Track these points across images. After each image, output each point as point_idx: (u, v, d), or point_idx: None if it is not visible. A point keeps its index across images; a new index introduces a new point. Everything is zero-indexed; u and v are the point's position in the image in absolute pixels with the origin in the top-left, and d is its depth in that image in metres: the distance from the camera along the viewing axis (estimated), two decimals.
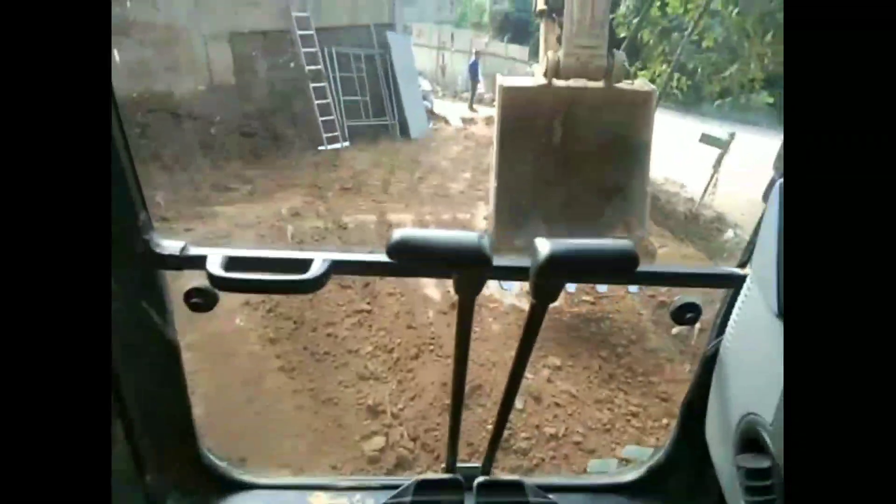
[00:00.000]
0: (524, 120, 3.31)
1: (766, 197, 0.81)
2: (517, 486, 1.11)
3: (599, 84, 3.15)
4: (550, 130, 3.30)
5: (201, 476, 1.18)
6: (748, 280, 0.90)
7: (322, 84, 7.89)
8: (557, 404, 2.83)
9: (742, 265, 0.99)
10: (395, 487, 1.10)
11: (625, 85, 3.22)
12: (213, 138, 6.99)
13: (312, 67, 7.87)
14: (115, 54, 6.07)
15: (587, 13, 2.95)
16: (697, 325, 2.83)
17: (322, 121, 7.71)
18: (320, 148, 7.65)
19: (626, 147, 3.20)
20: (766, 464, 0.78)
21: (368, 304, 3.80)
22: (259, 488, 1.22)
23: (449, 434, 1.07)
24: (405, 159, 7.65)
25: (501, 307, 3.85)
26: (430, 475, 1.15)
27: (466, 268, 0.69)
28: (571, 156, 3.27)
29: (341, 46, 8.30)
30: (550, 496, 1.12)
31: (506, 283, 3.27)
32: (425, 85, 11.51)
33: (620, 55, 3.14)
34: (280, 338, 3.40)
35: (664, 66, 7.29)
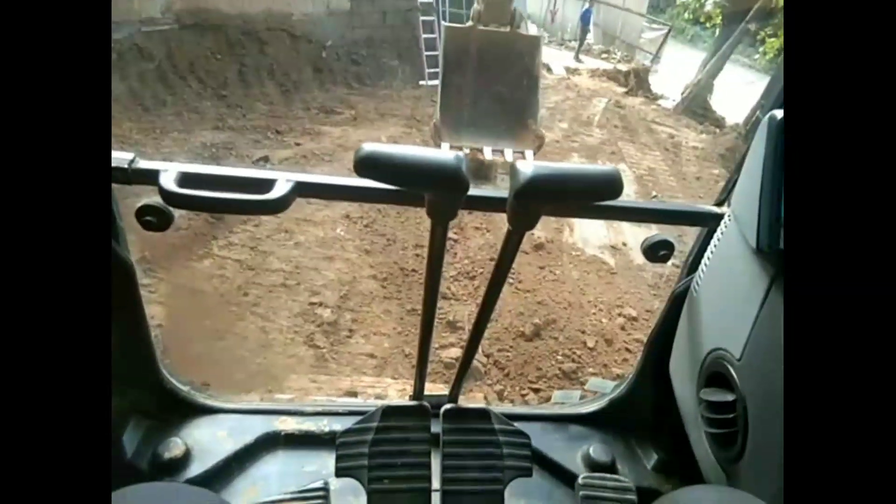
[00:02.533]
0: (459, 51, 4.74)
1: (750, 135, 0.79)
2: (483, 414, 1.11)
3: (507, 28, 4.70)
4: (475, 59, 4.77)
5: (164, 400, 1.16)
6: (725, 218, 0.89)
7: (431, 18, 7.88)
8: (628, 349, 2.93)
9: (719, 203, 0.97)
10: (361, 413, 1.09)
11: (522, 30, 4.96)
12: (323, 62, 7.29)
13: (424, 0, 7.86)
14: None
15: None
16: None
17: (426, 55, 7.76)
18: (421, 83, 7.75)
19: (523, 69, 4.86)
20: (730, 397, 0.79)
21: (455, 234, 3.99)
22: (224, 412, 1.21)
23: (417, 362, 1.06)
24: None
25: (583, 256, 3.92)
26: (397, 401, 1.14)
27: (441, 190, 0.63)
28: (488, 76, 4.81)
29: None
30: (515, 424, 1.12)
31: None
32: (532, 29, 11.15)
33: (520, 10, 4.78)
34: (374, 250, 3.70)
35: None
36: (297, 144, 5.18)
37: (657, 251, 0.95)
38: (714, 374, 0.84)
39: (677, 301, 1.03)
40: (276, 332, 2.84)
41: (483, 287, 3.41)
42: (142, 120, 5.07)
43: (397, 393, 2.36)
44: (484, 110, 4.84)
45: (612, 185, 0.63)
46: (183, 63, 5.94)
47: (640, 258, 3.88)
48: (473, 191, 0.66)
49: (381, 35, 7.95)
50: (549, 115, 7.44)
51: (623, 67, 11.22)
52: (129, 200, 0.89)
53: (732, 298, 0.84)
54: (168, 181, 0.76)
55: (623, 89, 9.62)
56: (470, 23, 4.69)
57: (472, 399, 2.51)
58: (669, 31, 13.35)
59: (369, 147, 0.60)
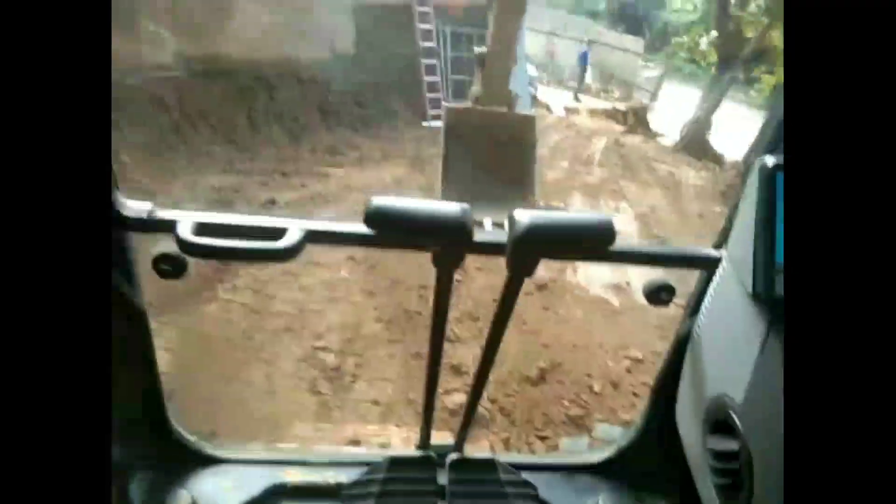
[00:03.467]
0: (461, 129, 5.03)
1: (743, 179, 0.80)
2: (490, 464, 1.11)
3: (505, 109, 5.01)
4: (475, 138, 5.03)
5: (170, 450, 1.16)
6: (723, 261, 0.89)
7: (433, 61, 8.14)
8: (634, 394, 2.90)
9: (717, 246, 0.97)
10: (368, 464, 1.09)
11: (520, 110, 5.30)
12: (329, 104, 7.49)
13: (426, 44, 8.13)
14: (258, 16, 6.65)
15: (499, 71, 4.89)
16: None
17: (429, 97, 7.98)
18: (424, 123, 7.94)
19: (520, 146, 5.14)
20: (734, 446, 0.78)
21: (458, 275, 4.02)
22: (230, 462, 1.21)
23: (423, 410, 1.06)
24: None
25: (586, 296, 3.93)
26: (403, 452, 1.15)
27: (448, 241, 0.66)
28: (488, 153, 5.04)
29: (456, 25, 8.48)
30: (522, 474, 1.11)
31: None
32: (531, 71, 11.46)
33: (515, 92, 5.19)
34: (378, 292, 3.72)
35: None
36: (303, 186, 5.27)
37: (658, 294, 0.96)
38: (718, 419, 0.84)
39: (681, 343, 1.02)
40: (280, 377, 2.84)
41: (488, 327, 3.42)
42: (153, 165, 5.19)
43: (401, 441, 2.34)
44: (484, 185, 5.06)
45: (605, 232, 0.67)
46: (193, 109, 6.12)
47: (643, 298, 3.89)
48: (477, 236, 0.69)
49: (386, 78, 8.19)
50: (549, 154, 7.58)
51: (621, 106, 11.48)
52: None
53: (732, 342, 0.83)
54: (185, 230, 0.78)
55: (622, 127, 9.82)
56: (469, 103, 5.12)
57: (478, 448, 2.48)
58: (665, 70, 13.69)
59: (378, 201, 0.62)
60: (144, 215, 0.83)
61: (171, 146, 5.57)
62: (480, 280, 3.92)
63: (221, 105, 6.38)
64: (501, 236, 0.82)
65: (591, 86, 14.55)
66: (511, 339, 3.30)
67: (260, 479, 1.17)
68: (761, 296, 0.72)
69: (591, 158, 7.57)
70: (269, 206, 4.80)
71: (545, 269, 4.18)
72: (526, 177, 5.21)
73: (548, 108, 10.49)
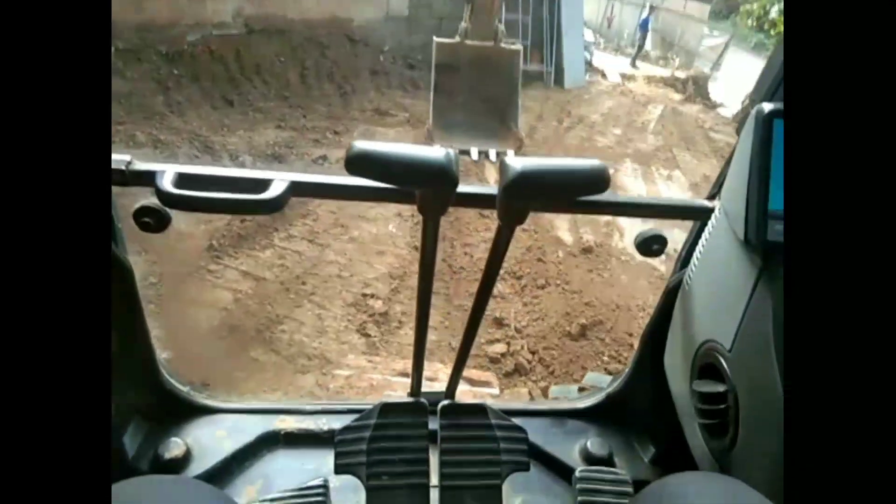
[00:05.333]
0: (448, 63, 5.31)
1: (739, 128, 0.79)
2: (480, 410, 1.10)
3: (491, 43, 5.23)
4: (463, 70, 5.34)
5: (164, 401, 1.15)
6: (716, 211, 0.89)
7: None
8: None
9: (711, 198, 0.97)
10: (359, 411, 1.09)
11: (504, 45, 5.37)
12: (380, 65, 7.52)
13: None
14: None
15: (485, 6, 5.02)
16: None
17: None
18: None
19: (505, 79, 5.46)
20: (721, 388, 0.79)
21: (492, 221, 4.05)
22: (224, 412, 1.21)
23: (413, 358, 1.06)
24: (554, 108, 7.61)
25: (632, 261, 3.89)
26: (394, 398, 1.13)
27: (432, 185, 0.64)
28: (475, 86, 5.39)
29: None
30: (512, 419, 1.11)
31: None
32: (588, 36, 11.07)
33: (501, 27, 5.30)
34: None
35: None
36: None
37: (650, 245, 0.96)
38: (706, 365, 0.85)
39: (670, 295, 1.03)
40: (331, 319, 2.99)
41: (530, 285, 3.45)
42: (211, 118, 5.40)
43: (447, 377, 2.44)
44: (471, 116, 5.48)
45: (599, 178, 0.64)
46: (250, 65, 6.28)
47: (674, 258, 3.83)
48: (464, 187, 0.67)
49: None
50: (602, 120, 7.39)
51: (681, 74, 10.96)
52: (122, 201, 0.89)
53: (722, 290, 0.84)
54: (165, 182, 0.76)
55: (680, 96, 9.41)
56: (458, 38, 5.28)
57: (516, 393, 2.56)
58: (731, 37, 12.93)
59: (360, 145, 0.60)
60: (123, 167, 0.80)
61: (228, 101, 5.76)
62: (524, 240, 3.95)
63: (275, 63, 6.51)
64: (489, 188, 0.80)
65: (650, 53, 13.93)
66: (553, 298, 3.34)
67: (253, 427, 1.18)
68: (752, 242, 0.72)
69: (645, 126, 7.33)
70: (321, 161, 4.94)
71: (592, 234, 4.16)
72: (510, 107, 5.54)
73: (603, 74, 10.14)
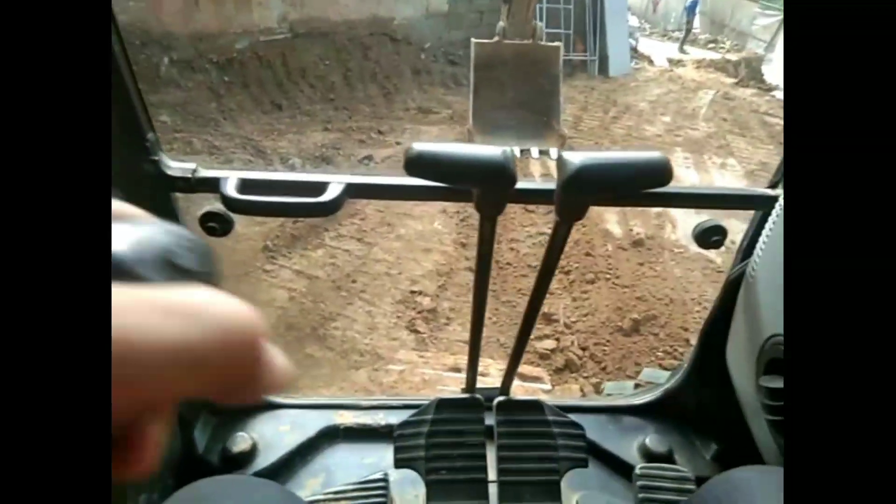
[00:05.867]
0: (487, 63, 5.23)
1: None
2: (536, 406, 1.10)
3: (529, 41, 5.22)
4: (502, 69, 5.28)
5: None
6: (779, 200, 0.86)
7: None
8: None
9: (773, 186, 0.93)
10: (415, 407, 1.10)
11: (544, 43, 5.34)
12: (422, 63, 7.56)
13: None
14: None
15: (523, 4, 5.01)
16: None
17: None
18: None
19: (546, 76, 5.37)
20: None
21: (550, 228, 4.01)
22: (286, 407, 1.24)
23: (469, 356, 1.05)
24: (600, 97, 7.44)
25: (686, 253, 3.77)
26: (449, 395, 1.14)
27: (489, 184, 0.64)
28: (514, 84, 5.32)
29: None
30: (569, 416, 1.10)
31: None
32: (632, 21, 10.75)
33: (540, 24, 5.36)
34: (470, 244, 3.81)
35: None
36: (398, 144, 5.44)
37: (709, 237, 0.91)
38: (773, 360, 0.82)
39: (732, 288, 0.99)
40: (381, 316, 3.05)
41: (579, 280, 3.40)
42: (261, 122, 5.59)
43: (499, 372, 2.45)
44: (511, 114, 5.39)
45: (662, 171, 0.61)
46: (296, 69, 6.46)
47: (735, 250, 3.67)
48: (521, 183, 0.66)
49: (479, 34, 8.08)
50: (650, 109, 7.16)
51: (732, 57, 10.48)
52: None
53: None
54: (229, 188, 0.79)
55: (732, 80, 8.99)
56: (496, 37, 5.20)
57: (567, 390, 2.54)
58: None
59: (419, 147, 0.61)
60: (189, 175, 0.84)
61: (277, 105, 5.95)
62: (572, 233, 3.89)
63: (320, 66, 6.66)
64: (547, 183, 0.78)
65: (699, 36, 13.38)
66: (603, 293, 3.29)
67: (314, 422, 1.21)
68: None
69: (695, 113, 7.05)
70: (367, 161, 5.03)
71: (642, 226, 4.05)
72: (551, 105, 5.42)
73: (649, 61, 9.82)
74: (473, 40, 5.32)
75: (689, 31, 12.23)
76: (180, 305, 0.19)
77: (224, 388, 0.21)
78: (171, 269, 0.21)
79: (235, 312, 0.20)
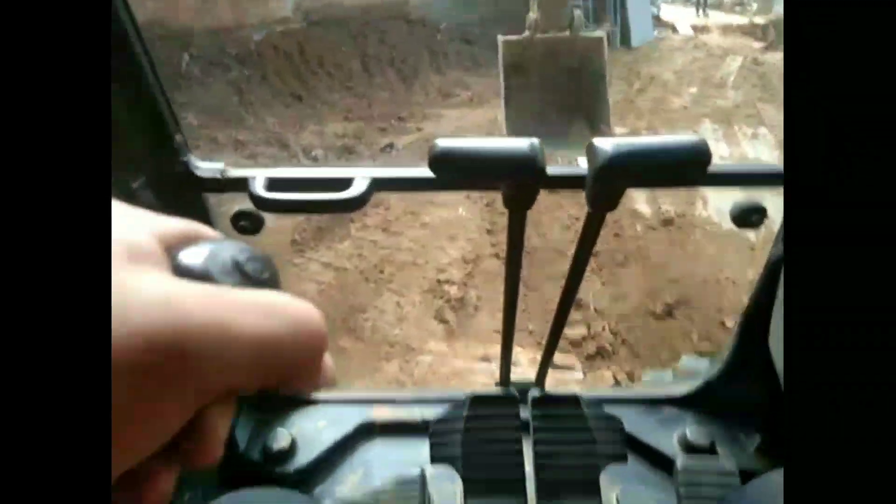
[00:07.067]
0: (518, 64, 4.68)
1: None
2: (572, 400, 1.08)
3: (566, 33, 4.55)
4: (537, 69, 4.69)
5: (269, 395, 1.17)
6: None
7: None
8: None
9: None
10: (450, 401, 1.10)
11: (585, 34, 4.68)
12: (438, 45, 7.46)
13: None
14: None
15: None
16: None
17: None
18: None
19: (589, 73, 4.67)
20: None
21: (576, 212, 3.95)
22: (323, 403, 1.25)
23: (502, 349, 1.04)
24: (622, 69, 7.22)
25: (719, 231, 3.68)
26: (483, 390, 1.14)
27: (517, 178, 0.62)
28: (553, 85, 4.68)
29: None
30: (606, 408, 1.08)
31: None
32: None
33: (578, 13, 4.59)
34: (495, 230, 3.79)
35: None
36: (419, 129, 5.40)
37: (748, 216, 0.86)
38: None
39: (774, 269, 0.95)
40: (409, 306, 3.06)
41: (608, 263, 3.35)
42: (283, 115, 5.61)
43: (528, 361, 2.45)
44: (551, 120, 4.62)
45: (700, 155, 0.58)
46: (313, 58, 6.44)
47: (776, 230, 3.56)
48: (549, 169, 0.63)
49: (496, 10, 7.90)
50: (675, 79, 6.94)
51: (760, 20, 10.03)
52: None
53: None
54: (258, 187, 0.79)
55: (761, 44, 8.63)
56: (527, 32, 4.57)
57: (599, 379, 2.52)
58: None
59: (443, 143, 0.59)
60: (218, 175, 0.85)
61: (297, 96, 5.95)
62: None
63: (337, 53, 6.63)
64: (578, 169, 0.75)
65: (724, 0, 12.84)
66: (634, 275, 3.23)
67: (350, 418, 1.23)
68: None
69: (723, 81, 6.80)
70: (388, 150, 5.01)
71: (671, 204, 3.96)
72: (598, 107, 4.69)
73: (673, 29, 9.48)
74: (500, 38, 4.74)
75: None
76: (257, 303, 0.21)
77: (291, 377, 0.23)
78: (239, 274, 0.23)
79: (303, 309, 0.23)
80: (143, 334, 0.18)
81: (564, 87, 4.65)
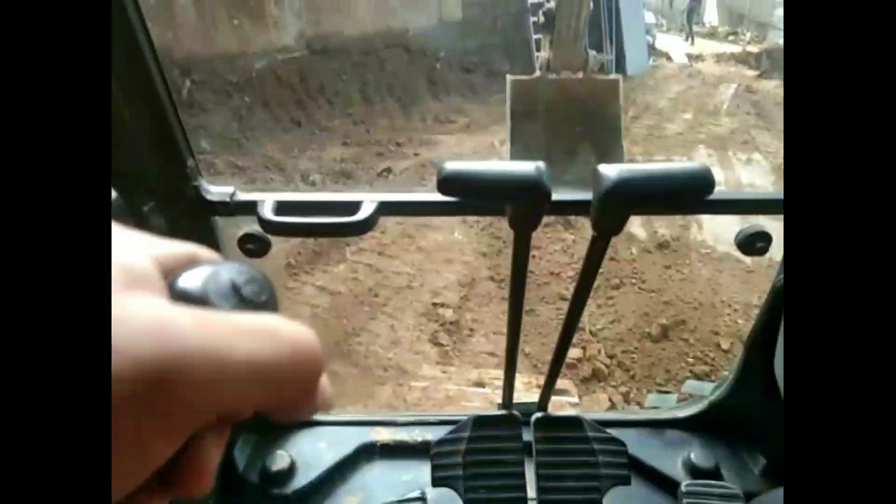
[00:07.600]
0: (528, 105, 4.48)
1: None
2: (575, 422, 1.07)
3: (580, 74, 4.43)
4: (547, 112, 4.49)
5: (263, 418, 1.32)
6: None
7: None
8: None
9: None
10: (452, 423, 1.09)
11: (599, 75, 4.56)
12: (437, 73, 7.60)
13: (533, 0, 7.85)
14: None
15: (570, 29, 4.28)
16: None
17: (538, 56, 7.73)
18: None
19: (603, 117, 4.46)
20: None
21: (572, 234, 3.97)
22: (323, 424, 1.24)
23: (505, 371, 1.04)
24: None
25: (713, 253, 3.68)
26: (486, 411, 1.12)
27: (523, 201, 0.63)
28: (564, 129, 4.48)
29: None
30: (609, 431, 1.07)
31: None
32: (649, 18, 10.61)
33: (593, 53, 4.46)
34: (490, 253, 3.80)
35: None
36: (416, 155, 5.46)
37: (753, 243, 0.86)
38: None
39: (779, 294, 0.96)
40: (404, 330, 3.05)
41: (604, 285, 3.34)
42: (282, 140, 5.68)
43: (524, 386, 2.42)
44: (561, 165, 4.42)
45: (702, 182, 0.59)
46: (314, 86, 6.55)
47: (780, 255, 3.56)
48: (555, 195, 0.65)
49: (493, 41, 8.09)
50: (670, 106, 7.05)
51: (753, 48, 10.26)
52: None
53: None
54: (266, 210, 0.80)
55: (754, 72, 8.80)
56: (538, 73, 4.47)
57: (595, 401, 2.49)
58: None
59: (451, 166, 0.60)
60: (228, 199, 0.86)
61: (296, 122, 6.04)
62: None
63: (337, 81, 6.75)
64: (583, 194, 0.75)
65: (718, 29, 13.14)
66: (629, 298, 3.22)
67: (351, 439, 1.21)
68: None
69: (717, 108, 6.91)
70: (386, 174, 5.06)
71: (666, 228, 3.97)
72: (611, 152, 4.51)
73: (667, 57, 9.68)
74: (509, 77, 4.58)
75: (692, 11, 12.02)
76: (252, 327, 0.21)
77: (287, 402, 0.23)
78: (237, 297, 0.23)
79: (301, 333, 0.22)
80: (134, 361, 0.18)
81: (575, 128, 4.50)
